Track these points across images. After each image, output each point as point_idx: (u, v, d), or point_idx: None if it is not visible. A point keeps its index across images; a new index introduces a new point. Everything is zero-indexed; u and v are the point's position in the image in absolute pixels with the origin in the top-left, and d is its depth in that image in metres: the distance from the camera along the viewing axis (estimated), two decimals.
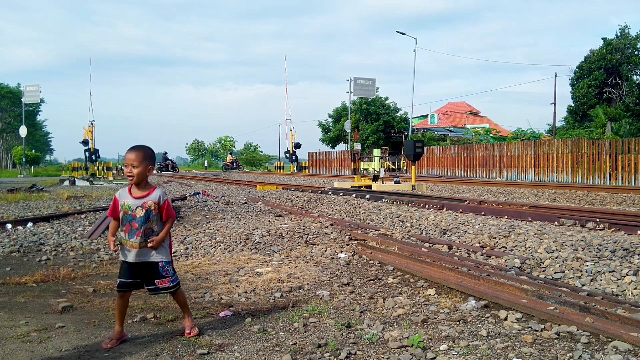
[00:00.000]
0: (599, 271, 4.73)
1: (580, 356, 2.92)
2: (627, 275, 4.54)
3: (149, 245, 3.32)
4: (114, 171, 37.10)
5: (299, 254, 6.26)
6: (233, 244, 6.92)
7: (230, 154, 60.77)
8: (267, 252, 6.45)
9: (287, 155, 50.77)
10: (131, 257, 3.34)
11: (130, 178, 3.37)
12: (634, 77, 43.02)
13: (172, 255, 3.68)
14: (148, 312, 3.91)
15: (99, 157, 38.59)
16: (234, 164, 53.25)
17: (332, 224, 8.35)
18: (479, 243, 6.43)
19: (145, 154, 3.39)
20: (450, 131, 56.30)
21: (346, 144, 53.20)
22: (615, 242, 5.63)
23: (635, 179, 23.08)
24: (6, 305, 4.22)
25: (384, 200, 12.26)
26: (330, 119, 60.91)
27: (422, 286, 4.72)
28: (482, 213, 9.36)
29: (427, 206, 10.83)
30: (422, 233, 7.46)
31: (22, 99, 46.55)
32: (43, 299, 4.41)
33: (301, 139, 68.63)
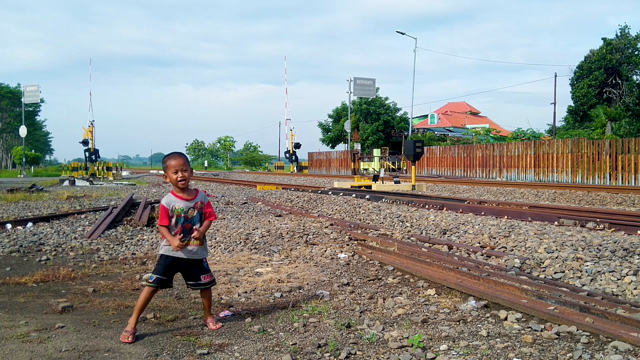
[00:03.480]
0: (599, 271, 4.73)
1: (580, 356, 2.92)
2: (627, 275, 4.54)
3: (193, 235, 3.55)
4: (114, 171, 37.03)
5: (299, 254, 6.26)
6: (233, 244, 6.92)
7: None
8: (267, 252, 6.44)
9: (287, 155, 50.79)
10: (189, 254, 3.57)
11: (183, 182, 3.53)
12: (634, 77, 42.93)
13: None
14: (148, 312, 3.90)
15: (99, 157, 38.54)
16: None
17: (332, 224, 8.34)
18: (479, 243, 6.42)
19: (188, 159, 3.63)
20: (450, 131, 56.28)
21: (346, 144, 53.19)
22: (615, 242, 5.63)
23: (635, 179, 23.08)
24: (6, 305, 4.22)
25: (384, 200, 12.26)
26: (330, 119, 60.92)
27: (422, 286, 4.72)
28: (482, 213, 9.36)
29: (427, 206, 10.82)
30: (422, 233, 7.45)
31: (22, 99, 46.47)
32: (43, 299, 4.40)
33: (301, 139, 68.72)
